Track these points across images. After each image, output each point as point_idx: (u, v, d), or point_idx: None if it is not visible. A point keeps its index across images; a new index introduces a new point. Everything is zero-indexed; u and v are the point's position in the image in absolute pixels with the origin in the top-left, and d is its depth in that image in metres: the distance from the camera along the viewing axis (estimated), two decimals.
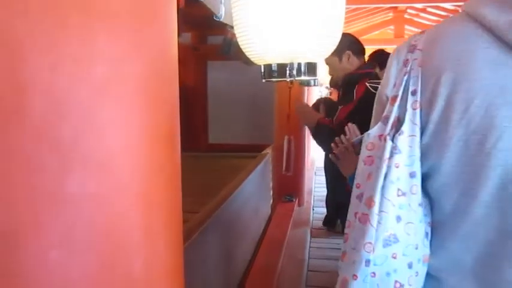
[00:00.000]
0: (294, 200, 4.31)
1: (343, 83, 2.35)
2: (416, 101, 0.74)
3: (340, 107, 2.26)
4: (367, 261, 0.74)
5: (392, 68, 0.81)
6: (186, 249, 1.43)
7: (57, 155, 0.53)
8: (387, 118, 0.77)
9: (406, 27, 8.24)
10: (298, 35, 1.10)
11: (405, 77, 0.76)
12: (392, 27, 8.27)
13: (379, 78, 2.15)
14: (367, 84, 1.96)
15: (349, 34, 2.40)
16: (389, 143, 0.75)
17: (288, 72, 1.16)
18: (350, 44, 2.33)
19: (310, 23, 1.10)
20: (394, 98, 0.77)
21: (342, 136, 1.62)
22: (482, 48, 0.69)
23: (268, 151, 4.11)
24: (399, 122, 0.76)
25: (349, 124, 1.64)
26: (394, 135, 0.75)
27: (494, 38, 0.68)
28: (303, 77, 1.20)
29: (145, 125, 0.63)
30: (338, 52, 2.27)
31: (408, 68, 0.76)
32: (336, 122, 2.21)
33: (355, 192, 0.82)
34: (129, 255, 0.63)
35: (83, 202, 0.55)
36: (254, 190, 3.20)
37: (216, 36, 5.14)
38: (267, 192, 3.92)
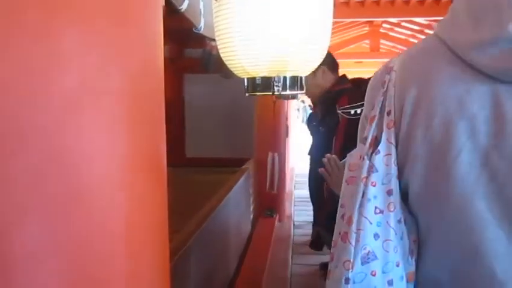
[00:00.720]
0: (275, 215, 4.24)
1: (323, 102, 2.30)
2: (391, 120, 0.77)
3: (334, 139, 2.17)
4: (347, 279, 0.75)
5: (371, 90, 0.86)
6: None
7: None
8: (366, 138, 0.80)
9: (382, 41, 8.38)
10: (284, 48, 1.05)
11: (381, 98, 0.80)
12: (367, 41, 8.40)
13: (356, 95, 2.11)
14: (339, 112, 1.90)
15: None
16: (366, 162, 0.78)
17: (273, 85, 1.09)
18: (324, 58, 2.28)
19: (297, 35, 1.05)
20: (372, 118, 0.80)
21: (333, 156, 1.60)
22: (445, 66, 0.73)
23: (249, 165, 4.03)
24: (376, 142, 0.79)
25: (328, 156, 1.61)
26: (371, 155, 0.78)
27: (456, 57, 0.71)
28: (288, 91, 1.14)
29: (126, 152, 0.55)
30: None
31: (385, 89, 0.80)
32: (335, 152, 2.10)
33: (340, 211, 0.83)
34: (111, 276, 0.55)
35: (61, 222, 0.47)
36: (235, 207, 3.12)
37: (193, 49, 5.09)
38: (248, 208, 3.83)
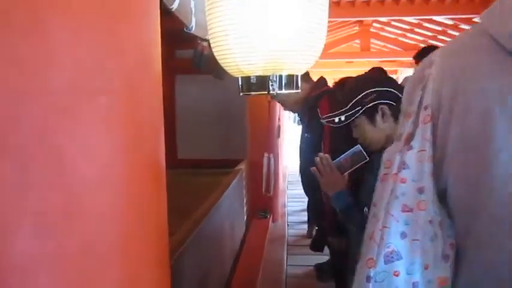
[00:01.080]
0: (269, 216, 4.22)
1: (305, 110, 2.23)
2: (428, 115, 0.72)
3: (322, 143, 2.09)
4: (368, 277, 0.72)
5: (411, 85, 0.80)
6: None
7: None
8: (401, 135, 0.76)
9: (372, 40, 8.40)
10: (280, 46, 1.02)
11: (420, 93, 0.75)
12: (358, 41, 8.40)
13: (334, 96, 2.04)
14: (324, 122, 1.77)
15: None
16: (397, 159, 0.74)
17: (269, 85, 1.07)
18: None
19: (293, 34, 1.02)
20: (409, 114, 0.76)
21: (325, 155, 1.56)
22: (485, 57, 0.69)
23: (242, 166, 4.00)
24: (411, 138, 0.74)
25: (321, 154, 1.58)
26: (404, 151, 0.74)
27: (500, 48, 0.67)
28: (284, 91, 1.11)
29: (123, 154, 0.53)
30: None
31: (424, 83, 0.75)
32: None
33: (372, 210, 0.80)
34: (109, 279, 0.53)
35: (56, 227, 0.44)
36: (229, 209, 3.09)
37: (184, 50, 5.05)
38: (241, 210, 3.80)
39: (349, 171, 1.51)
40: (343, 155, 1.52)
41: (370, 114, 1.43)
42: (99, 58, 0.48)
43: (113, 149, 0.51)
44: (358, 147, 1.50)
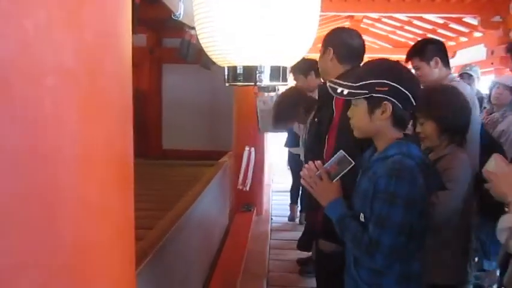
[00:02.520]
0: (253, 209, 4.18)
1: (321, 93, 2.01)
2: None
3: (327, 138, 1.88)
4: None
5: None
6: (139, 273, 1.25)
7: None
8: None
9: (362, 36, 8.38)
10: (268, 36, 0.97)
11: None
12: None
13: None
14: (328, 85, 1.55)
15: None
16: None
17: (256, 76, 1.02)
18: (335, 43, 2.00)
19: (283, 24, 0.97)
20: None
21: (312, 163, 1.46)
22: None
23: (226, 159, 3.95)
24: None
25: (307, 166, 1.47)
26: None
27: None
28: (272, 82, 1.06)
29: (82, 144, 0.47)
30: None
31: None
32: (329, 150, 1.82)
33: None
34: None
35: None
36: (212, 202, 3.04)
37: (171, 38, 4.96)
38: (225, 202, 3.76)
39: (338, 178, 1.43)
40: (327, 163, 1.45)
41: (373, 104, 1.32)
42: (46, 28, 0.41)
43: (62, 140, 0.45)
44: (341, 152, 1.43)
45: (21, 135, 0.39)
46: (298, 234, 3.79)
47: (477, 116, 2.20)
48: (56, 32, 0.44)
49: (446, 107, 1.78)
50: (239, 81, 1.04)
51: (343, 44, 1.93)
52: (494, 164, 1.24)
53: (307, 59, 3.03)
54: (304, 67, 3.11)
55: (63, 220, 0.48)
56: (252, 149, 1.71)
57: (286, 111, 2.63)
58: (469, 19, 6.07)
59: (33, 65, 0.39)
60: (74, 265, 0.51)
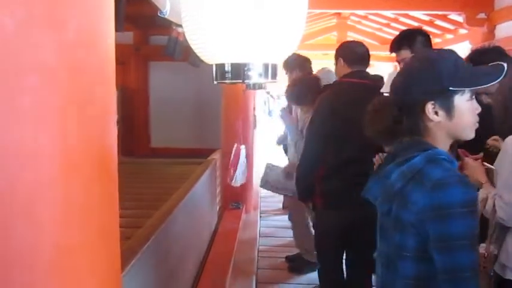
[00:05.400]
0: (241, 207, 4.18)
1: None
2: None
3: None
4: None
5: None
6: (127, 272, 1.24)
7: None
8: None
9: (349, 33, 8.41)
10: (256, 33, 0.97)
11: None
12: (335, 33, 8.40)
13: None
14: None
15: None
16: None
17: (244, 73, 1.01)
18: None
19: (270, 21, 0.97)
20: None
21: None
22: None
23: (215, 156, 3.94)
24: None
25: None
26: None
27: None
28: (260, 80, 1.06)
29: (58, 144, 0.46)
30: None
31: None
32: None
33: None
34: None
35: None
36: (201, 200, 3.03)
37: (158, 36, 4.93)
38: (213, 200, 3.75)
39: None
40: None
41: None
42: (28, 27, 0.40)
43: (43, 138, 0.44)
44: None
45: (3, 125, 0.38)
46: (286, 232, 3.81)
47: None
48: (36, 29, 0.43)
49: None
50: (227, 78, 1.03)
51: (349, 51, 2.33)
52: (466, 161, 1.69)
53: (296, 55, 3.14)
54: (291, 64, 3.19)
55: (44, 219, 0.47)
56: (242, 145, 1.70)
57: (297, 95, 2.89)
58: (454, 16, 6.13)
59: (12, 63, 0.38)
60: (57, 265, 0.50)
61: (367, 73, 2.31)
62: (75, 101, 0.50)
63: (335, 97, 2.24)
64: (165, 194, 2.47)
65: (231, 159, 1.63)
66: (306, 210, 3.04)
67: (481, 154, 1.74)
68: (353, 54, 2.29)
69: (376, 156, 1.81)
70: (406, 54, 2.10)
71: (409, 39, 2.16)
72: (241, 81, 1.02)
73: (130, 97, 4.95)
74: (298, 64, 3.20)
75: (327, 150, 2.19)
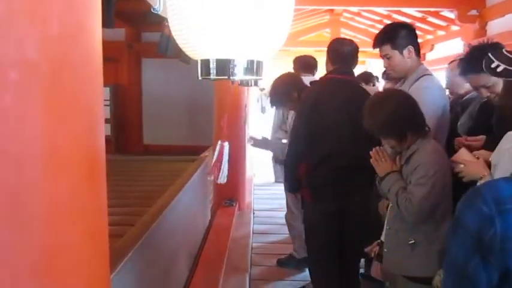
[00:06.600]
0: (235, 204, 4.18)
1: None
2: None
3: None
4: None
5: None
6: (120, 270, 1.24)
7: None
8: None
9: (342, 30, 8.41)
10: (242, 29, 0.97)
11: None
12: (328, 30, 8.40)
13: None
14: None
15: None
16: None
17: (229, 70, 1.01)
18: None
19: (257, 18, 0.97)
20: None
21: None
22: None
23: (208, 153, 3.94)
24: None
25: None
26: None
27: None
28: (245, 76, 1.06)
29: (47, 142, 0.46)
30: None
31: None
32: None
33: None
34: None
35: None
36: (193, 197, 3.03)
37: (151, 32, 4.91)
38: (206, 197, 3.75)
39: None
40: None
41: None
42: (6, 19, 0.40)
43: (26, 136, 0.44)
44: None
45: None
46: (280, 229, 3.82)
47: (445, 105, 2.14)
48: (17, 23, 0.43)
49: (385, 124, 1.72)
50: (212, 74, 1.03)
51: (332, 50, 2.43)
52: (464, 153, 1.62)
53: None
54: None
55: (30, 219, 0.47)
56: (226, 142, 1.70)
57: (280, 96, 2.81)
58: (446, 13, 6.15)
59: None
60: (44, 265, 0.50)
61: (350, 70, 2.42)
62: (59, 98, 0.50)
63: (316, 94, 2.35)
64: (158, 192, 2.46)
65: (215, 156, 1.62)
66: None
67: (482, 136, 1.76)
68: (336, 53, 2.40)
69: (374, 150, 1.79)
70: (388, 49, 2.08)
71: (389, 35, 2.12)
72: (226, 77, 1.03)
73: (122, 94, 4.93)
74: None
75: (310, 145, 2.28)
